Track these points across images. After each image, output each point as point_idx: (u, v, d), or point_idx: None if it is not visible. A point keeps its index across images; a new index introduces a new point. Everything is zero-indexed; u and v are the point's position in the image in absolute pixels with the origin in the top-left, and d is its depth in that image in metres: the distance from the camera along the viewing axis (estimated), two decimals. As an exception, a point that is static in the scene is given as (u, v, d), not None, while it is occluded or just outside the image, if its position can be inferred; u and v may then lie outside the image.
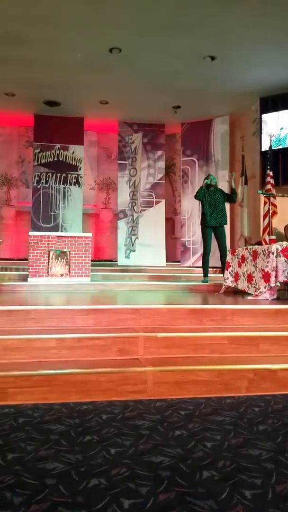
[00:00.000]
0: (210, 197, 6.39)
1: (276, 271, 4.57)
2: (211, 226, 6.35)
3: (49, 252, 6.37)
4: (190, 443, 1.94)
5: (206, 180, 6.46)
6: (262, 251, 4.78)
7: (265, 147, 7.73)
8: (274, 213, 7.27)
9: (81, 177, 9.14)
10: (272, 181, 7.32)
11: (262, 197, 7.48)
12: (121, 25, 5.66)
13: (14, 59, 6.56)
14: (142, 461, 1.76)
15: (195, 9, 5.28)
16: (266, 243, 6.63)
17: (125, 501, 1.46)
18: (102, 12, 5.38)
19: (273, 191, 7.20)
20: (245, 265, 5.16)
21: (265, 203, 7.39)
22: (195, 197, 6.52)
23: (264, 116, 7.79)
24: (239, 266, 5.33)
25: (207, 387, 2.73)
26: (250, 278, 5.00)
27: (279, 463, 1.76)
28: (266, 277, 4.62)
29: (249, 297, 4.80)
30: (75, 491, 1.52)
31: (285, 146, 7.56)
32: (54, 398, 2.51)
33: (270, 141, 7.61)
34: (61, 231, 8.64)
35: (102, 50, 6.31)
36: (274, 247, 4.61)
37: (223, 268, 6.03)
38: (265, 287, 4.60)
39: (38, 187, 8.95)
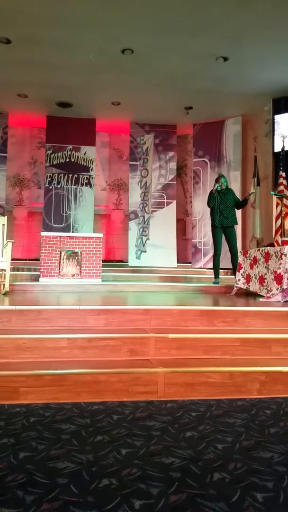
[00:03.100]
0: (220, 198, 6.37)
1: (288, 273, 4.53)
2: (221, 227, 6.33)
3: (60, 252, 6.41)
4: (201, 444, 1.94)
5: (217, 185, 6.39)
6: (275, 252, 4.74)
7: (277, 148, 7.68)
8: (287, 214, 7.22)
9: (92, 178, 9.18)
10: (284, 182, 7.28)
11: (274, 198, 7.43)
12: (133, 26, 5.68)
13: (27, 61, 6.62)
14: (153, 462, 1.76)
15: (207, 10, 5.27)
16: (278, 245, 6.59)
17: (136, 501, 1.46)
18: (115, 14, 5.40)
19: (286, 192, 7.14)
20: (257, 267, 5.12)
21: (277, 204, 7.34)
22: (208, 205, 6.49)
23: (276, 117, 7.74)
24: (251, 267, 5.30)
25: (218, 389, 2.71)
26: (262, 279, 4.96)
27: (291, 466, 1.75)
28: (278, 279, 4.58)
29: (261, 299, 4.76)
30: (86, 491, 1.52)
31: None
32: (65, 398, 2.52)
33: (283, 142, 7.56)
34: (73, 232, 8.69)
35: (114, 52, 6.33)
36: (287, 248, 4.57)
37: (234, 269, 6.00)
38: (277, 289, 4.57)
39: (50, 187, 9.00)
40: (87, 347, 3.05)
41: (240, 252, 5.83)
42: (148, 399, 2.58)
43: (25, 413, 2.29)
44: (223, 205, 6.35)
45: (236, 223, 6.43)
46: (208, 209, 6.71)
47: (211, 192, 6.47)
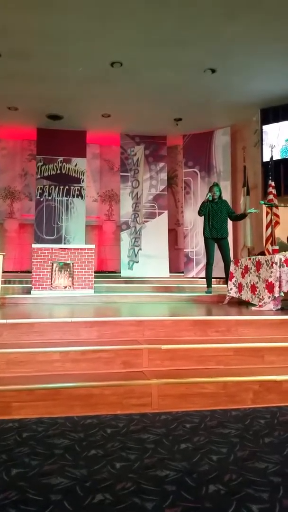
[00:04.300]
0: (213, 208, 6.29)
1: (280, 281, 4.56)
2: (212, 238, 6.30)
3: (52, 264, 6.38)
4: (196, 456, 1.92)
5: (209, 194, 6.33)
6: (266, 261, 4.77)
7: (266, 157, 7.76)
8: (277, 223, 7.27)
9: (83, 189, 9.19)
10: (274, 191, 7.34)
11: (264, 208, 7.49)
12: (122, 39, 5.74)
13: (17, 74, 6.65)
14: (148, 475, 1.74)
15: (195, 23, 5.35)
16: (269, 253, 6.63)
17: (130, 516, 1.44)
18: (103, 27, 5.46)
19: (275, 201, 7.21)
20: (249, 276, 5.15)
21: (267, 213, 7.40)
22: (199, 213, 6.43)
23: (265, 127, 7.84)
24: (243, 276, 5.32)
25: (212, 400, 2.71)
26: (253, 288, 4.98)
27: (286, 476, 1.74)
28: (270, 287, 4.60)
29: (253, 308, 4.78)
30: (80, 507, 1.50)
31: (287, 157, 7.60)
32: (58, 412, 2.50)
33: (271, 151, 7.65)
34: (64, 243, 8.66)
35: (103, 64, 6.39)
36: (278, 257, 4.60)
37: (227, 279, 6.01)
38: (269, 297, 4.59)
39: (41, 199, 9.00)
40: (80, 360, 3.03)
41: (232, 261, 5.85)
42: (142, 411, 2.56)
43: (18, 428, 2.27)
44: (214, 215, 6.26)
45: (227, 235, 6.34)
46: (200, 219, 6.70)
47: (203, 202, 6.43)
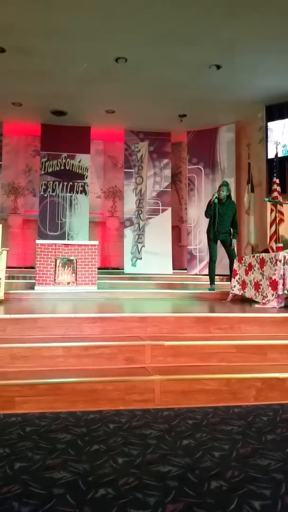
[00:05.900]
0: (219, 211, 6.15)
1: (284, 279, 4.55)
2: (215, 240, 6.28)
3: (56, 260, 6.39)
4: (198, 452, 1.93)
5: (215, 195, 6.20)
6: (269, 258, 4.76)
7: (271, 154, 7.73)
8: (281, 220, 7.25)
9: (87, 185, 9.19)
10: (278, 188, 7.31)
11: (268, 205, 7.47)
12: (127, 35, 5.72)
13: (22, 70, 6.65)
14: (150, 470, 1.75)
15: (200, 19, 5.33)
16: (273, 251, 6.61)
17: (132, 511, 1.45)
18: (108, 23, 5.44)
19: (280, 199, 7.18)
20: (252, 273, 5.14)
21: (271, 210, 7.37)
22: (206, 215, 6.37)
23: (270, 124, 7.80)
24: (246, 274, 5.31)
25: (215, 396, 2.71)
26: (257, 286, 4.98)
27: (289, 473, 1.74)
28: (273, 285, 4.59)
29: (256, 305, 4.77)
30: (83, 501, 1.51)
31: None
32: (61, 407, 2.51)
33: (276, 148, 7.62)
34: (68, 239, 8.67)
35: (108, 60, 6.37)
36: (281, 254, 4.59)
37: (231, 275, 5.99)
38: (272, 295, 4.58)
39: (45, 195, 9.00)
40: (83, 355, 3.03)
41: (235, 258, 5.84)
42: (145, 407, 2.56)
43: (21, 422, 2.28)
44: (219, 218, 6.15)
45: (230, 236, 6.26)
46: (204, 217, 6.65)
47: (209, 203, 6.32)
